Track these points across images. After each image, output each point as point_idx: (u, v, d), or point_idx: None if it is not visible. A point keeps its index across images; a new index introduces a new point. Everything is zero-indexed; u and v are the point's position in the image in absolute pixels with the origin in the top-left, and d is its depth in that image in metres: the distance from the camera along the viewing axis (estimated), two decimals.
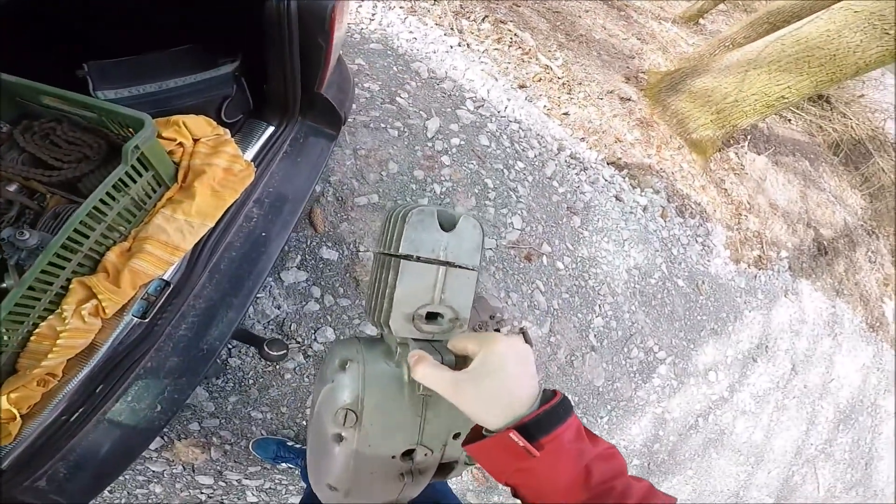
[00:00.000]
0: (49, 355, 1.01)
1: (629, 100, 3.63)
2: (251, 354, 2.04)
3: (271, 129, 1.54)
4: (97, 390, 1.08)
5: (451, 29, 3.28)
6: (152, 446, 1.92)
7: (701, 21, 5.52)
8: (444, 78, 3.09)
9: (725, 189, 3.82)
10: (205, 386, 1.99)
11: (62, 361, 1.05)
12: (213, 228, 1.26)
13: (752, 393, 3.63)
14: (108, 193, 1.00)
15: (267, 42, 1.26)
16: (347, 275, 2.28)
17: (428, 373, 0.60)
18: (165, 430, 1.95)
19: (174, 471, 1.96)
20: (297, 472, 2.08)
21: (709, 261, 3.54)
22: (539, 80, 3.39)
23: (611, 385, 2.92)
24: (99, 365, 1.10)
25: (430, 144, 2.74)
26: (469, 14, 3.49)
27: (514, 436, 0.51)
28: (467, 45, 3.33)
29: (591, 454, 0.53)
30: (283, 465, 2.05)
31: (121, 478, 1.86)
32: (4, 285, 1.01)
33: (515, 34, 3.48)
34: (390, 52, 2.98)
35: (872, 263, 4.82)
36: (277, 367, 2.08)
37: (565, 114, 3.34)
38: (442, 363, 0.63)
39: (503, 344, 0.57)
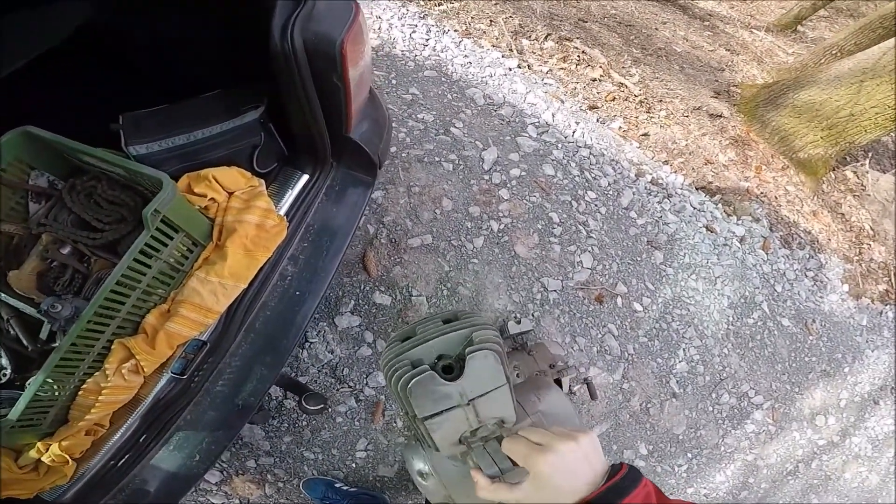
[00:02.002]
0: (92, 409, 1.10)
1: (720, 116, 3.24)
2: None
3: (305, 177, 1.50)
4: (141, 439, 1.17)
5: (510, 50, 3.12)
6: (213, 480, 2.02)
7: (799, 28, 4.93)
8: (502, 103, 2.93)
9: (842, 214, 3.31)
10: (262, 426, 2.06)
11: (107, 414, 1.15)
12: (248, 288, 1.27)
13: (869, 437, 3.21)
14: (137, 260, 1.03)
15: (280, 85, 1.21)
16: (400, 319, 2.23)
17: (489, 493, 0.67)
18: (225, 465, 2.04)
19: (233, 503, 2.05)
20: None
21: (822, 297, 3.09)
22: (613, 100, 3.13)
23: (693, 433, 2.63)
24: (142, 416, 1.19)
25: (486, 177, 2.60)
26: (530, 33, 3.30)
27: None
28: (528, 65, 3.14)
29: None
30: None
31: None
32: (56, 345, 1.10)
33: (583, 51, 3.23)
34: (444, 79, 2.88)
35: None
36: (321, 415, 2.09)
37: (644, 135, 3.05)
38: (499, 471, 0.68)
39: (547, 465, 0.62)
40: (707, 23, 4.23)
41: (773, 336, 2.88)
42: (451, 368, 0.75)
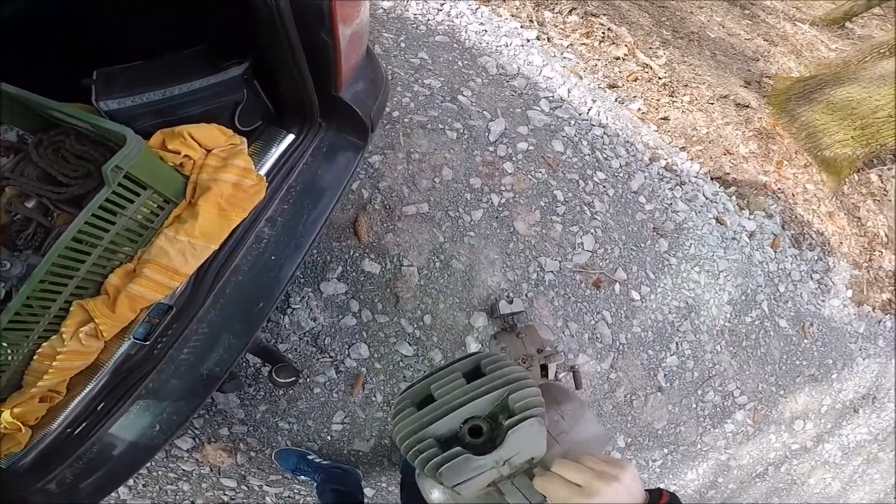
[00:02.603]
0: (45, 376, 1.03)
1: (747, 107, 3.05)
2: None
3: (291, 137, 1.39)
4: (99, 407, 1.11)
5: (530, 21, 2.90)
6: (184, 446, 1.99)
7: (847, 25, 4.63)
8: (515, 75, 2.75)
9: (859, 218, 3.18)
10: (237, 394, 2.01)
11: (63, 380, 1.09)
12: (219, 250, 1.19)
13: (841, 444, 3.26)
14: (98, 217, 0.95)
15: (264, 39, 1.11)
16: (388, 290, 2.14)
17: None
18: (198, 432, 2.00)
19: (202, 471, 2.02)
20: (314, 484, 2.06)
21: (823, 301, 3.01)
22: (634, 80, 2.93)
23: (673, 428, 2.61)
24: (102, 383, 1.12)
25: (491, 149, 2.45)
26: (553, 5, 3.07)
27: None
28: (548, 38, 2.94)
29: None
30: (302, 477, 2.06)
31: (154, 473, 2.01)
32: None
33: (609, 28, 3.01)
34: (456, 46, 2.70)
35: None
36: (292, 388, 2.04)
37: (664, 118, 2.87)
38: (526, 500, 0.66)
39: None
40: (748, 11, 3.95)
41: (769, 337, 2.82)
42: (480, 430, 0.67)
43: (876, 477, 3.48)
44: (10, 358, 1.00)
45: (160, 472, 2.01)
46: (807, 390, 2.99)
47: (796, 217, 2.97)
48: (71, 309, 1.04)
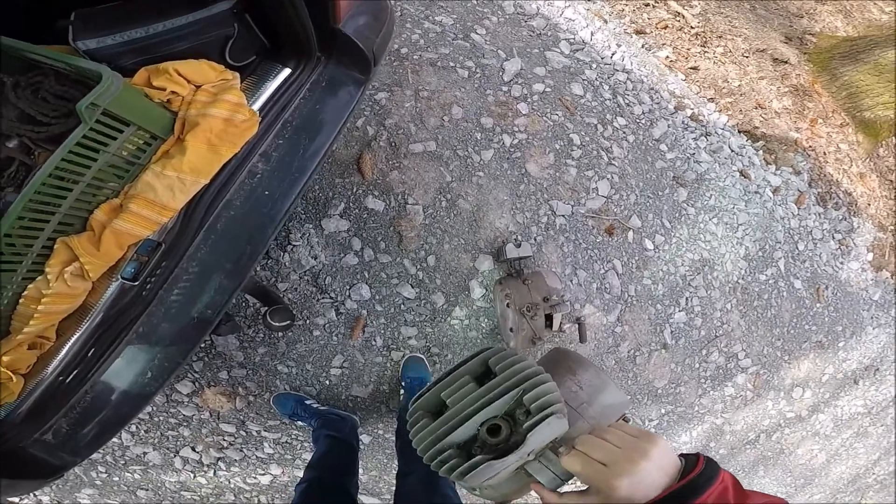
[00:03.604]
0: (32, 321, 1.00)
1: (785, 62, 2.83)
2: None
3: (287, 71, 1.31)
4: (89, 354, 1.07)
5: None
6: (184, 391, 2.01)
7: None
8: (534, 14, 2.56)
9: (891, 181, 3.02)
10: (236, 336, 1.98)
11: (51, 325, 1.05)
12: (209, 185, 1.13)
13: (835, 416, 3.26)
14: (77, 153, 0.93)
15: None
16: (391, 228, 2.06)
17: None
18: (197, 376, 2.00)
19: (202, 416, 2.06)
20: (309, 430, 2.08)
21: (842, 263, 2.90)
22: (665, 28, 2.73)
23: (673, 388, 2.58)
24: (91, 328, 1.08)
25: (505, 89, 2.31)
26: None
27: None
28: None
29: None
30: (299, 422, 2.06)
31: (156, 419, 2.06)
32: None
33: None
34: None
35: None
36: (287, 332, 2.02)
37: (693, 68, 2.68)
38: (561, 480, 0.65)
39: (622, 489, 0.57)
40: None
41: (781, 297, 2.74)
42: (499, 429, 0.67)
43: (861, 451, 3.51)
44: None
45: (161, 418, 2.04)
46: (811, 357, 2.93)
47: (825, 175, 2.82)
48: (55, 247, 1.00)
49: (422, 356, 2.07)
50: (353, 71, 1.38)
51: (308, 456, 2.15)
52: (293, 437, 2.14)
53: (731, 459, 2.95)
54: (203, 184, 1.11)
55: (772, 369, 2.80)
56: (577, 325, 2.14)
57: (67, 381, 1.05)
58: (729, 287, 2.60)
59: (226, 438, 2.10)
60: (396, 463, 2.18)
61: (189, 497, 2.23)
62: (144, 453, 2.11)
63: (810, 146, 2.78)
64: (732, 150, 2.65)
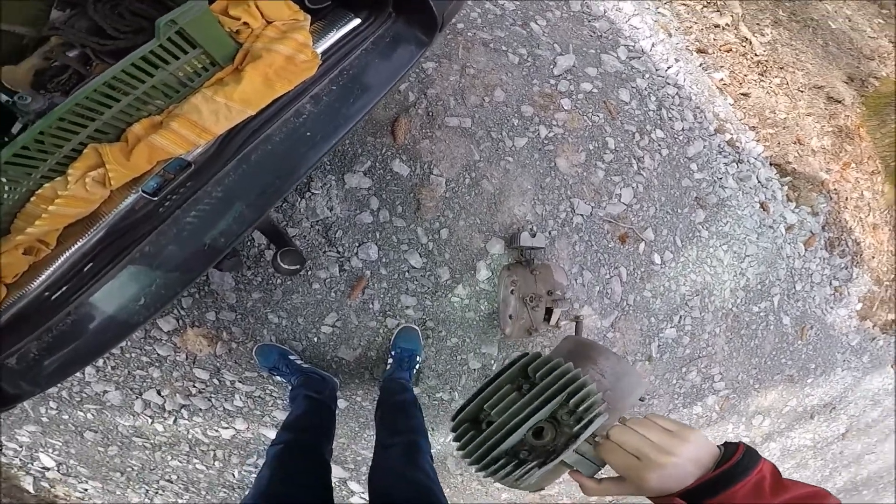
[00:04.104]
0: (38, 221, 0.94)
1: (839, 102, 2.78)
2: None
3: (356, 21, 1.26)
4: (86, 269, 1.00)
5: None
6: (165, 328, 1.92)
7: None
8: (599, 16, 2.48)
9: None
10: (233, 275, 1.91)
11: (55, 230, 0.98)
12: (254, 117, 1.10)
13: (784, 445, 3.38)
14: (138, 67, 0.89)
15: None
16: (412, 195, 2.03)
17: (598, 492, 0.67)
18: (183, 313, 1.92)
19: (177, 358, 1.97)
20: (287, 387, 2.02)
21: (832, 308, 2.96)
22: (728, 51, 2.66)
23: (647, 399, 2.64)
24: (96, 239, 1.01)
25: (552, 82, 2.26)
26: None
27: (679, 502, 0.59)
28: None
29: None
30: (278, 378, 2.00)
31: (127, 355, 1.93)
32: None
33: None
34: None
35: None
36: (294, 277, 1.96)
37: (745, 94, 2.63)
38: (598, 468, 0.68)
39: (654, 481, 0.60)
40: (885, 11, 3.48)
41: (768, 330, 2.79)
42: (543, 431, 0.69)
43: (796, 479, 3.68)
44: (6, 195, 0.89)
45: (133, 355, 1.94)
46: (780, 389, 3.02)
47: (841, 221, 2.83)
48: (84, 151, 0.94)
49: (417, 328, 2.07)
50: (418, 32, 1.32)
51: (279, 414, 2.11)
52: (267, 392, 2.09)
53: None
54: (249, 114, 1.07)
55: (741, 395, 2.88)
56: (574, 324, 2.16)
57: (53, 297, 0.97)
58: (722, 313, 2.64)
59: (196, 385, 2.02)
60: (370, 433, 2.20)
61: (140, 443, 2.08)
62: (105, 392, 1.98)
63: (835, 189, 2.77)
64: (759, 181, 2.63)
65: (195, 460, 2.12)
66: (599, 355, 0.96)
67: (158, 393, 2.01)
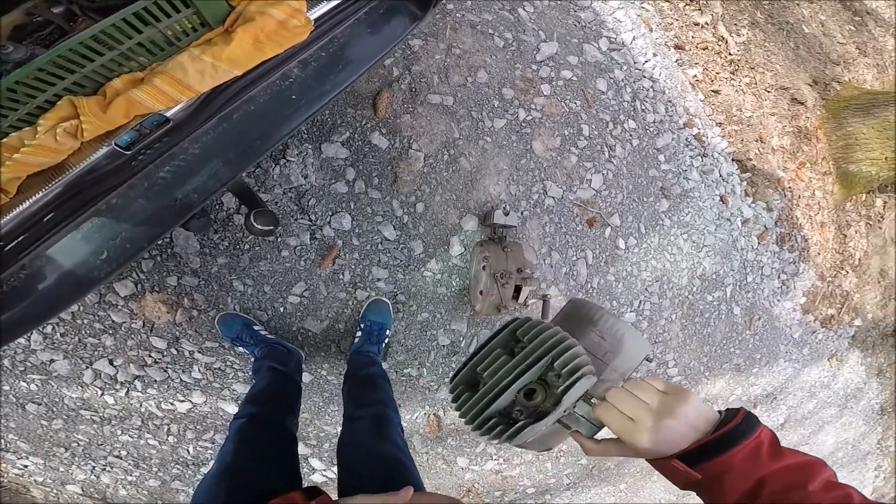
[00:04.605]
0: (2, 168, 0.88)
1: (802, 104, 2.94)
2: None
3: None
4: (46, 218, 0.94)
5: None
6: (122, 292, 1.81)
7: None
8: (585, 7, 2.54)
9: (845, 236, 3.25)
10: (199, 237, 1.83)
11: (17, 178, 0.92)
12: (240, 77, 1.07)
13: None
14: (128, 23, 0.86)
15: None
16: (389, 167, 2.02)
17: (599, 453, 0.69)
18: (142, 277, 1.82)
19: (133, 325, 1.85)
20: (250, 359, 1.95)
21: (779, 300, 3.13)
22: (704, 49, 2.77)
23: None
24: (60, 190, 0.95)
25: (534, 67, 2.31)
26: None
27: (677, 463, 0.61)
28: None
29: (767, 469, 0.59)
30: (240, 349, 1.93)
31: (79, 321, 1.81)
32: None
33: None
34: None
35: None
36: (270, 238, 1.91)
37: (715, 91, 2.74)
38: (598, 429, 0.70)
39: (648, 442, 0.62)
40: (858, 18, 3.65)
41: (720, 319, 2.93)
42: (534, 392, 0.72)
43: None
44: None
45: (85, 321, 1.80)
46: (727, 377, 3.17)
47: (792, 218, 2.99)
48: (59, 103, 0.90)
49: (388, 301, 2.06)
50: (412, 5, 1.34)
51: (239, 387, 2.04)
52: (228, 363, 2.02)
53: (633, 460, 3.10)
54: (235, 75, 1.05)
55: (692, 382, 3.01)
56: (541, 302, 2.21)
57: (6, 248, 0.91)
58: (679, 300, 2.75)
59: (152, 355, 1.92)
60: (334, 408, 2.17)
61: (88, 417, 1.94)
62: (52, 360, 1.83)
63: (789, 187, 2.92)
64: (721, 175, 2.75)
65: (147, 435, 2.01)
66: (599, 317, 0.98)
67: (111, 363, 1.88)
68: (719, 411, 0.65)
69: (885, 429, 4.45)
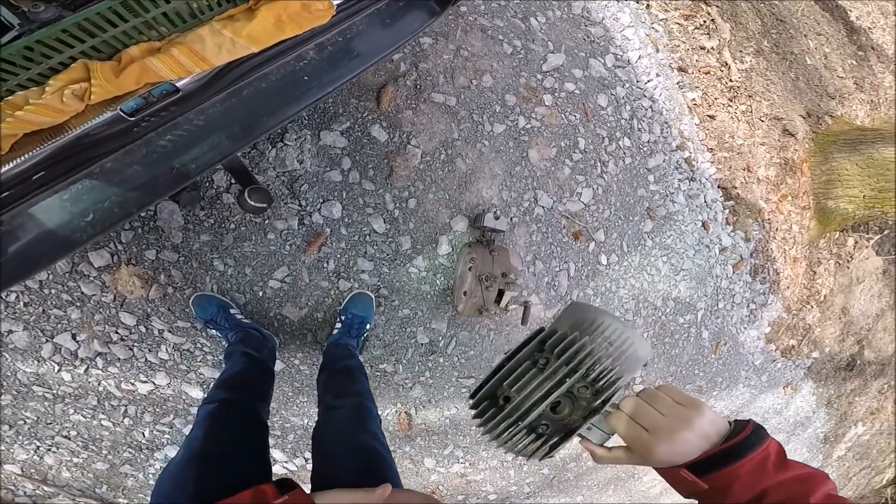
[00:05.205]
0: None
1: (792, 135, 3.02)
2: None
3: None
4: (35, 176, 0.92)
5: None
6: (97, 262, 1.73)
7: None
8: (596, 22, 2.57)
9: (815, 272, 3.36)
10: (184, 211, 1.78)
11: (12, 135, 0.89)
12: (256, 54, 1.08)
13: None
14: None
15: None
16: (385, 161, 2.01)
17: (609, 461, 0.71)
18: (120, 249, 1.75)
19: (103, 299, 1.77)
20: (223, 343, 1.89)
21: (745, 329, 3.22)
22: (706, 73, 2.83)
23: None
24: (55, 149, 0.93)
25: (539, 77, 2.34)
26: None
27: (685, 473, 0.62)
28: (647, 5, 2.78)
29: (771, 481, 0.60)
30: (213, 332, 1.88)
31: (45, 290, 1.72)
32: None
33: (713, 20, 2.84)
34: None
35: (880, 394, 4.55)
36: (258, 219, 1.87)
37: (711, 116, 2.80)
38: (609, 436, 0.71)
39: (662, 454, 0.63)
40: (861, 53, 3.74)
41: (688, 342, 3.00)
42: (560, 404, 0.71)
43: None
44: None
45: (53, 291, 1.72)
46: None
47: (767, 250, 3.08)
48: (72, 65, 0.88)
49: (371, 295, 2.05)
50: (432, 1, 1.36)
51: (206, 371, 1.98)
52: (198, 345, 1.95)
53: (593, 473, 3.15)
54: (252, 51, 1.05)
55: None
56: (522, 308, 2.23)
57: None
58: (652, 319, 2.81)
59: (119, 331, 1.81)
60: (303, 399, 2.13)
61: (40, 393, 1.84)
62: (10, 331, 1.73)
63: (769, 219, 3.01)
64: (706, 201, 2.81)
65: (102, 416, 1.92)
66: (606, 322, 0.96)
67: (73, 337, 1.79)
68: (729, 422, 0.65)
69: (825, 457, 4.63)
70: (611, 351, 0.77)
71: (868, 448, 4.82)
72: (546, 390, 0.69)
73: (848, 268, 3.51)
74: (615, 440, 0.72)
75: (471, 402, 0.76)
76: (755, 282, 3.11)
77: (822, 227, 3.20)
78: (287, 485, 0.78)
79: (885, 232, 3.55)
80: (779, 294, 3.24)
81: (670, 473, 0.65)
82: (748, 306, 3.16)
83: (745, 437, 0.62)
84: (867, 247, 3.53)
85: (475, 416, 0.74)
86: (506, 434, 0.70)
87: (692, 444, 0.62)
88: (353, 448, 1.25)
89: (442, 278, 2.18)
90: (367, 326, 2.03)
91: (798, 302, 3.35)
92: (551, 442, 0.69)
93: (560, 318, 0.84)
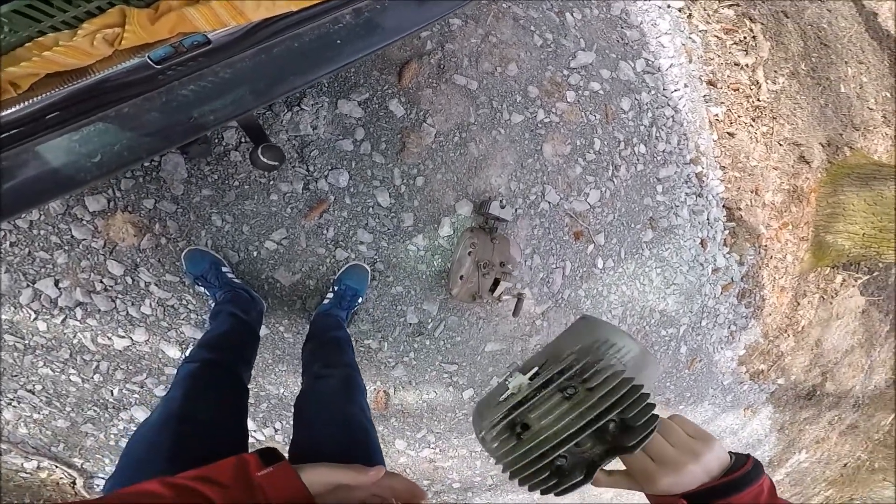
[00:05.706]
0: (23, 63, 0.84)
1: (808, 163, 3.01)
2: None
3: None
4: (49, 116, 0.90)
5: None
6: (92, 207, 1.67)
7: None
8: (634, 25, 2.53)
9: (798, 303, 3.41)
10: (190, 164, 1.72)
11: (34, 74, 0.87)
12: (294, 13, 1.06)
13: None
14: None
15: None
16: (399, 136, 1.97)
17: (608, 485, 0.71)
18: (118, 195, 1.69)
19: (93, 244, 1.71)
20: (209, 302, 1.84)
21: (721, 349, 3.27)
22: (735, 90, 2.79)
23: None
24: (74, 91, 0.91)
25: (565, 72, 2.30)
26: None
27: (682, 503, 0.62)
28: (689, 14, 2.72)
29: None
30: (201, 289, 1.82)
31: (35, 231, 1.65)
32: None
33: (754, 37, 2.79)
34: None
35: (829, 425, 4.68)
36: (265, 178, 1.83)
37: (730, 133, 2.78)
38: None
39: (666, 485, 0.63)
40: None
41: (667, 354, 3.03)
42: (586, 441, 0.65)
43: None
44: (3, 36, 0.79)
45: (43, 231, 1.66)
46: (657, 409, 3.30)
47: (758, 277, 3.11)
48: (110, 10, 0.86)
49: (367, 268, 2.01)
50: None
51: (188, 331, 1.92)
52: (184, 302, 1.89)
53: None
54: (290, 10, 1.04)
55: None
56: (516, 300, 2.22)
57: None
58: (635, 329, 2.83)
59: (104, 280, 1.76)
60: (283, 367, 2.11)
61: (11, 343, 1.76)
62: None
63: (766, 245, 3.03)
64: (708, 219, 2.82)
65: (72, 370, 1.84)
66: (623, 344, 0.86)
67: (56, 284, 1.72)
68: (730, 453, 0.66)
69: None
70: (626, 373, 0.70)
71: (804, 475, 4.98)
72: (580, 426, 0.61)
73: (831, 303, 3.57)
74: (615, 463, 0.67)
75: (488, 421, 0.68)
76: (740, 305, 3.14)
77: (815, 260, 3.23)
78: (272, 455, 0.68)
79: (875, 274, 3.61)
80: (760, 320, 3.29)
81: (664, 500, 0.65)
82: (729, 328, 3.20)
83: (746, 472, 0.63)
84: (854, 286, 3.58)
85: (489, 443, 0.67)
86: (523, 466, 0.63)
87: (696, 477, 0.63)
88: (341, 419, 1.22)
89: (439, 259, 2.16)
90: (359, 300, 2.00)
91: (776, 329, 3.41)
92: (574, 481, 0.62)
93: (573, 334, 0.76)
